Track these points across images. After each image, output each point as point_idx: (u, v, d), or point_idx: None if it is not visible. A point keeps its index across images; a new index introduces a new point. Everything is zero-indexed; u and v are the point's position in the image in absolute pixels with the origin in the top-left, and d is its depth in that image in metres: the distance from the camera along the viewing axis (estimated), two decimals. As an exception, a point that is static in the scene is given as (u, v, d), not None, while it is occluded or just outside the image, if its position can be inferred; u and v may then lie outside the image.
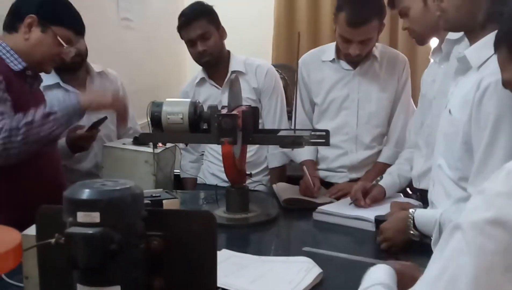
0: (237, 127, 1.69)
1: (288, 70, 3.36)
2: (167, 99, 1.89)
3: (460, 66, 1.50)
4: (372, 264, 1.38)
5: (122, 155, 2.07)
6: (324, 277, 1.35)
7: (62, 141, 2.18)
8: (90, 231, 0.82)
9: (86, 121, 2.09)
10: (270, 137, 1.86)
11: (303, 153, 2.29)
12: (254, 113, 1.83)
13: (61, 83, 2.31)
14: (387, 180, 2.04)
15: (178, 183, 2.48)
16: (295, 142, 1.72)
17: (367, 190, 1.95)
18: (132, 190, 0.87)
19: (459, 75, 1.53)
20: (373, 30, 2.12)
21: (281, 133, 1.85)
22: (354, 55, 2.18)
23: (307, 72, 2.31)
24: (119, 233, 0.84)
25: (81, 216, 0.83)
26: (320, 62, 2.31)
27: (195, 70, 2.61)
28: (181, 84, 3.80)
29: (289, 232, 1.87)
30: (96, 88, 2.38)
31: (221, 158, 2.42)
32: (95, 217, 0.83)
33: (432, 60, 1.99)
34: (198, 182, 2.57)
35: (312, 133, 1.79)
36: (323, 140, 1.74)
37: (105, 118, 2.11)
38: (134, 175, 2.00)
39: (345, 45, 2.16)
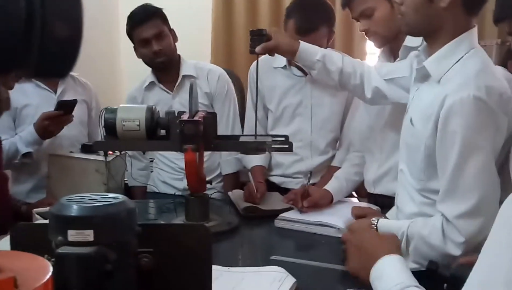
0: (199, 134, 1.63)
1: (228, 75, 3.29)
2: (121, 105, 1.80)
3: (418, 74, 1.51)
4: (344, 272, 1.38)
5: (70, 164, 1.96)
6: (299, 286, 1.31)
7: (30, 129, 2.07)
8: (83, 250, 0.74)
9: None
10: (233, 143, 1.81)
11: (254, 160, 2.26)
12: (214, 118, 1.77)
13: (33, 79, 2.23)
14: (334, 184, 2.04)
15: (127, 192, 2.37)
16: (258, 148, 1.69)
17: (309, 193, 1.92)
18: (126, 204, 0.81)
19: (417, 82, 1.54)
20: (322, 38, 2.12)
21: (242, 139, 1.81)
22: None
23: (259, 78, 2.28)
24: (114, 252, 0.77)
25: (73, 235, 0.76)
26: (272, 69, 2.30)
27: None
28: (117, 90, 3.67)
29: (253, 241, 1.83)
30: (67, 89, 2.31)
31: (173, 165, 2.39)
32: (89, 235, 0.76)
33: (377, 62, 2.00)
34: (148, 190, 2.48)
35: (273, 139, 1.76)
36: (286, 146, 1.71)
37: (75, 101, 2.01)
38: (83, 184, 1.90)
39: None
